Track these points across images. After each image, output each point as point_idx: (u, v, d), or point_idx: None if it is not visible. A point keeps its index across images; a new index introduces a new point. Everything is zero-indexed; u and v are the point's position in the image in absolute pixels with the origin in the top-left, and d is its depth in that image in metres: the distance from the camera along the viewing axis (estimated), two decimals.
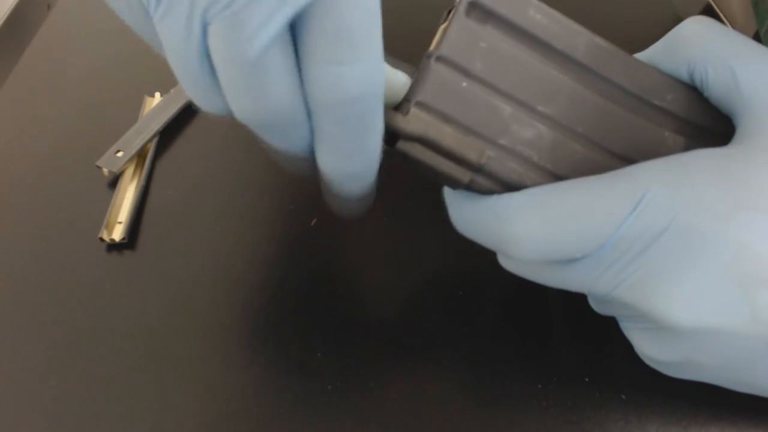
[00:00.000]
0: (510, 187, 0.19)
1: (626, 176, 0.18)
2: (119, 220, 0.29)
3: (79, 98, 0.36)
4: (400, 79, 0.19)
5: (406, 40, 0.37)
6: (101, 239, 0.28)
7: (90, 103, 0.36)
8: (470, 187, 0.20)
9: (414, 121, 0.18)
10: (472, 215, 0.20)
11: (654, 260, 0.17)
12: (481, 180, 0.19)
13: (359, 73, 0.15)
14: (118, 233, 0.29)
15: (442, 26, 0.20)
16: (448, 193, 0.21)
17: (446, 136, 0.18)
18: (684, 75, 0.20)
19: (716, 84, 0.19)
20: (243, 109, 0.16)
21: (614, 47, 0.19)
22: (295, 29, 0.16)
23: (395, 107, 0.19)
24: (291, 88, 0.16)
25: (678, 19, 0.39)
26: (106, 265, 0.28)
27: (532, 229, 0.18)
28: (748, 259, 0.17)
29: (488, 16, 0.19)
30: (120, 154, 0.31)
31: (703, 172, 0.17)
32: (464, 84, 0.19)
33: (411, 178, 0.30)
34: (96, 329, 0.26)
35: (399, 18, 0.39)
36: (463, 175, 0.19)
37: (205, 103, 0.17)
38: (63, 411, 0.23)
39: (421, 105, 0.18)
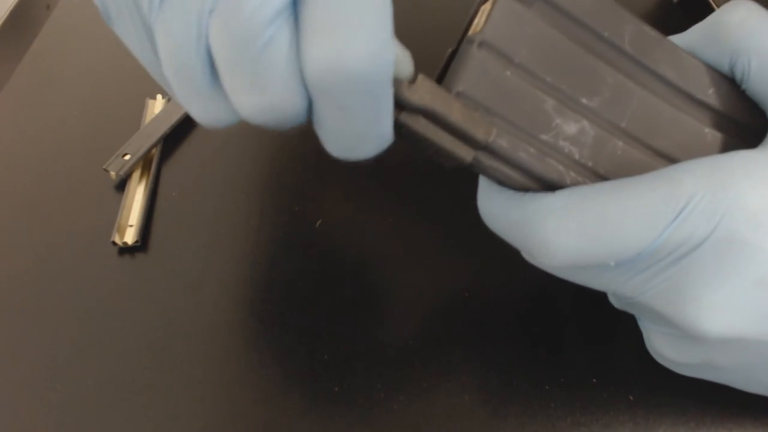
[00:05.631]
0: (548, 185, 0.18)
1: (668, 180, 0.17)
2: (130, 223, 0.30)
3: (80, 100, 0.36)
4: (406, 57, 0.17)
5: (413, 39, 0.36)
6: (113, 243, 0.29)
7: (91, 104, 0.36)
8: (480, 170, 0.18)
9: (421, 92, 0.16)
10: (501, 211, 0.19)
11: (689, 269, 0.17)
12: (487, 160, 0.18)
13: (364, 47, 0.14)
14: (130, 236, 0.29)
15: (483, 6, 0.18)
16: (481, 182, 0.20)
17: (454, 109, 0.17)
18: (725, 65, 0.19)
19: (758, 78, 0.18)
20: (247, 103, 0.15)
21: (661, 36, 0.18)
22: (296, 8, 0.14)
23: None
24: (296, 72, 0.14)
25: None
26: (118, 269, 0.28)
27: (564, 236, 0.17)
28: None
29: None
30: (127, 157, 0.31)
31: (747, 177, 0.16)
32: (507, 73, 0.17)
33: (414, 179, 0.29)
34: (105, 332, 0.26)
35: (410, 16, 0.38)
36: (467, 153, 0.17)
37: (205, 109, 0.16)
38: (69, 414, 0.24)
39: (461, 95, 0.17)
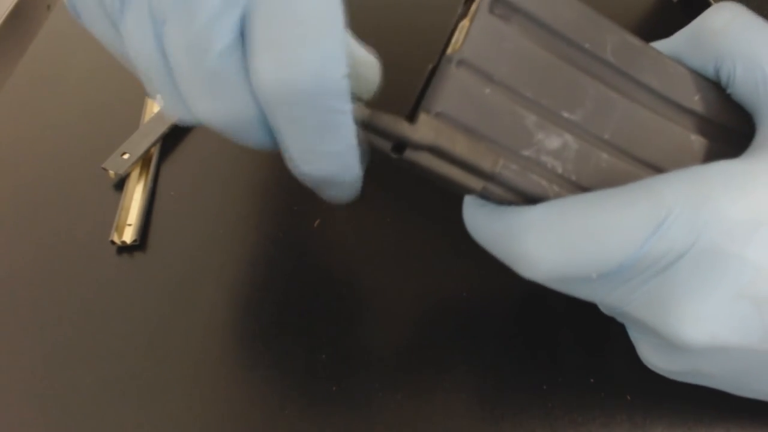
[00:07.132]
0: (531, 199, 0.18)
1: (648, 192, 0.17)
2: (128, 222, 0.30)
3: (80, 99, 0.36)
4: (373, 68, 0.18)
5: (413, 38, 0.36)
6: (112, 242, 0.29)
7: (91, 104, 0.36)
8: (488, 197, 0.18)
9: (424, 129, 0.17)
10: (486, 225, 0.19)
11: (670, 281, 0.17)
12: (495, 189, 0.18)
13: (308, 64, 0.14)
14: (129, 235, 0.29)
15: (461, 23, 0.18)
16: (467, 197, 0.20)
17: (458, 144, 0.17)
18: (710, 70, 0.18)
19: (744, 83, 0.18)
20: (201, 108, 0.16)
21: (644, 44, 0.18)
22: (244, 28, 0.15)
23: (409, 116, 0.18)
24: (246, 82, 0.15)
25: None
26: (116, 268, 0.28)
27: (545, 250, 0.17)
28: (765, 278, 0.16)
29: (513, 12, 0.17)
30: (126, 156, 0.31)
31: (726, 189, 0.16)
32: (487, 91, 0.17)
33: (412, 180, 0.29)
34: (103, 331, 0.26)
35: (404, 16, 0.38)
36: (476, 183, 0.18)
37: (169, 107, 0.17)
38: (67, 413, 0.24)
39: (441, 116, 0.17)
